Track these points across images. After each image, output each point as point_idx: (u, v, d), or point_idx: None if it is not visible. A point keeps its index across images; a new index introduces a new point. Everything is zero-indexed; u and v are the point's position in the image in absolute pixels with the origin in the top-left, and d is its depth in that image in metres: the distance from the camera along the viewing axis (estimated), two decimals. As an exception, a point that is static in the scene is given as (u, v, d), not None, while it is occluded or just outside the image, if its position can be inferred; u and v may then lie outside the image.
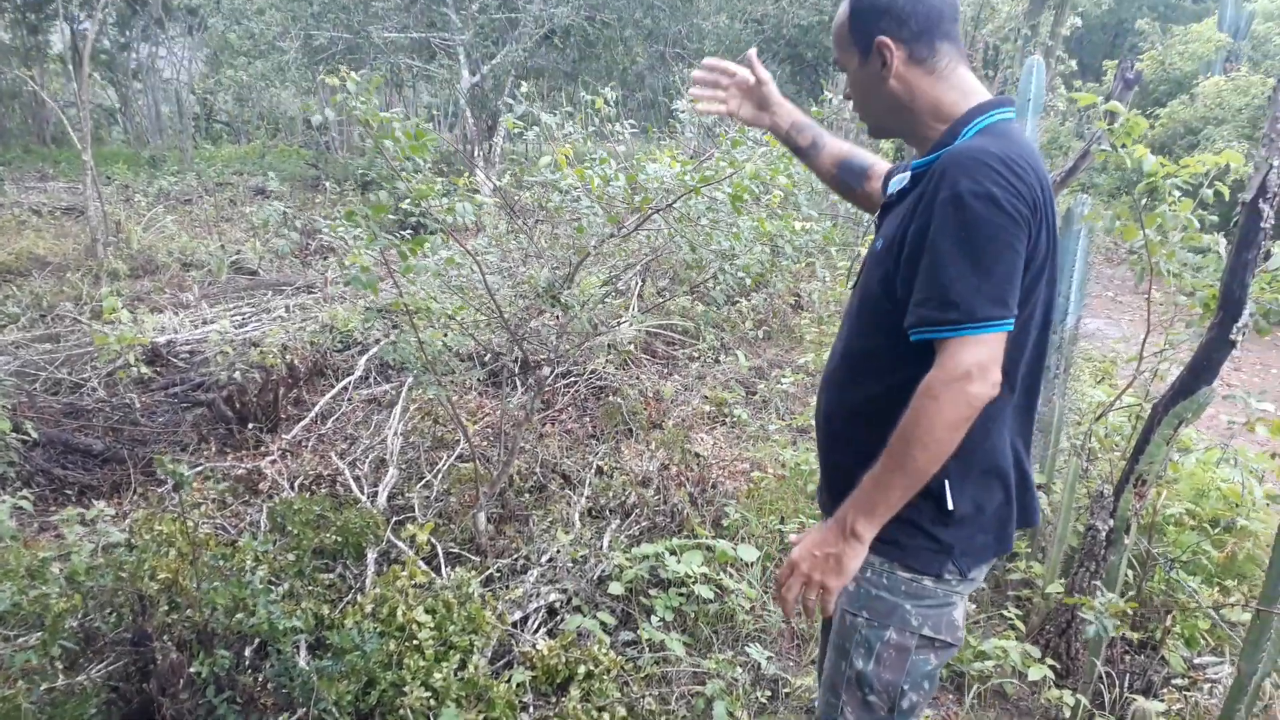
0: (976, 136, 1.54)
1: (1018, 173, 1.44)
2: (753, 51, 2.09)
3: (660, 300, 5.88)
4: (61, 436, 4.32)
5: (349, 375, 5.28)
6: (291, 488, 3.98)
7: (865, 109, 1.71)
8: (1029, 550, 3.65)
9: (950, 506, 1.58)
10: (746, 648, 3.11)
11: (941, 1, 1.60)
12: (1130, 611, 2.73)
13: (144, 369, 4.87)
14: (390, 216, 3.11)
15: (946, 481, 1.57)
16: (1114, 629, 2.53)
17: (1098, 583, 2.80)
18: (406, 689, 2.62)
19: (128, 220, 9.20)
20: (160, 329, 5.88)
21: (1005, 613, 3.34)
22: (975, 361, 1.42)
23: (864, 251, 1.86)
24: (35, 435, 4.18)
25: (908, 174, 1.65)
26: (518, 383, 5.16)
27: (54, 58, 18.78)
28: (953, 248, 1.43)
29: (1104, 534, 2.92)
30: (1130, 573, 3.25)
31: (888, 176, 1.91)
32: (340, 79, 2.91)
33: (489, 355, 5.28)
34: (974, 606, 3.45)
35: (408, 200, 2.96)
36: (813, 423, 1.93)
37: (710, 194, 3.02)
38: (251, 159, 16.51)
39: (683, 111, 3.65)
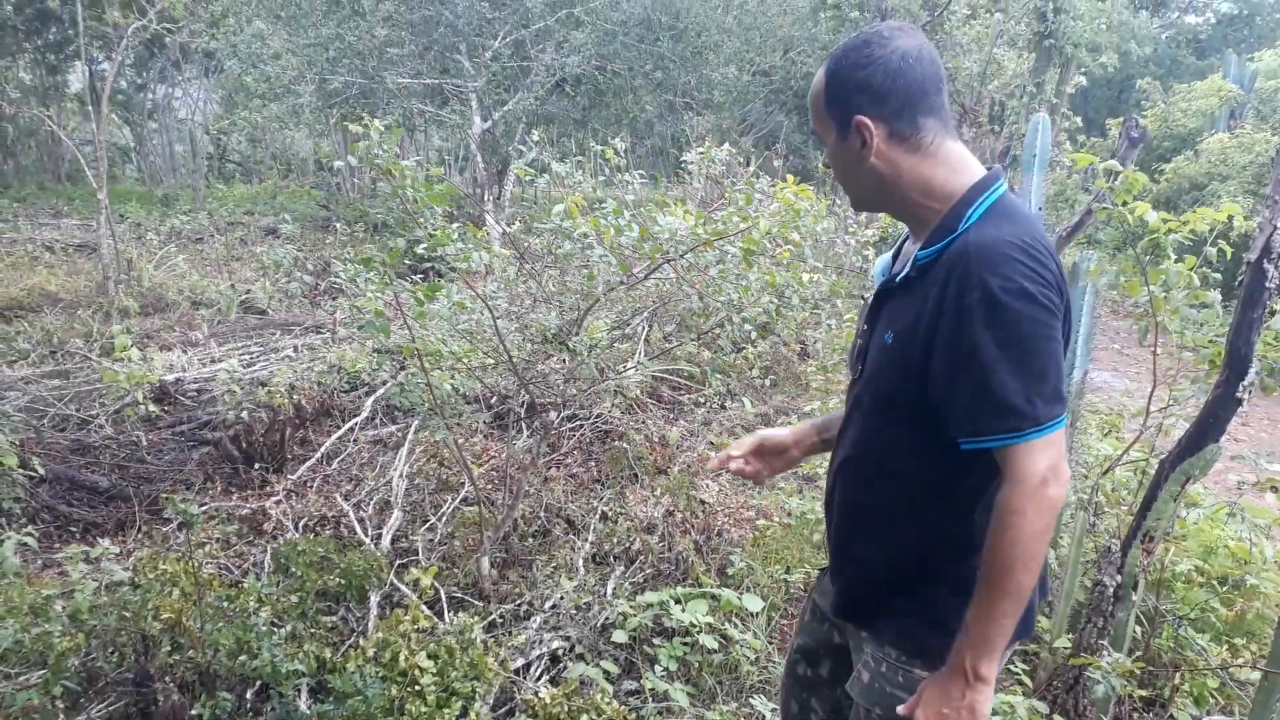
0: (986, 221, 1.48)
1: (1040, 259, 1.41)
2: (725, 454, 2.00)
3: (667, 346, 5.90)
4: (68, 473, 4.33)
5: (356, 416, 5.29)
6: (296, 529, 3.98)
7: (847, 185, 1.63)
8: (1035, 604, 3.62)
9: None
10: (751, 699, 3.09)
11: (923, 74, 1.51)
12: (1138, 670, 2.71)
13: (152, 407, 4.89)
14: (404, 261, 3.15)
15: (969, 577, 1.51)
16: (1122, 688, 2.51)
17: (1104, 642, 2.77)
18: (408, 736, 2.60)
19: (139, 258, 9.29)
20: (169, 367, 5.91)
21: (1012, 668, 3.31)
22: (1048, 465, 1.39)
23: (855, 328, 1.79)
24: (42, 471, 4.19)
25: (909, 263, 1.57)
26: (524, 426, 5.17)
27: (71, 97, 19.06)
28: (998, 351, 1.37)
29: (1111, 590, 2.90)
30: (1138, 629, 3.23)
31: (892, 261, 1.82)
32: (363, 126, 2.97)
33: (495, 398, 5.29)
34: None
35: (422, 245, 3.00)
36: (822, 472, 1.92)
37: (721, 246, 3.06)
38: (263, 199, 16.67)
39: (691, 162, 3.71)
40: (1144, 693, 3.08)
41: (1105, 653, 2.63)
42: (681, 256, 3.01)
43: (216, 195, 16.65)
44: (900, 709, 1.55)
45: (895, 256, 1.72)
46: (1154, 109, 16.02)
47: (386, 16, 11.86)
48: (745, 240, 2.85)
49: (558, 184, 3.69)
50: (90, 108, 9.80)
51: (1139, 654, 3.14)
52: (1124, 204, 3.10)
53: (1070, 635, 3.19)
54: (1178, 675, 3.14)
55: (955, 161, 1.55)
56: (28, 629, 2.86)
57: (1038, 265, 1.40)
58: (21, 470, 4.12)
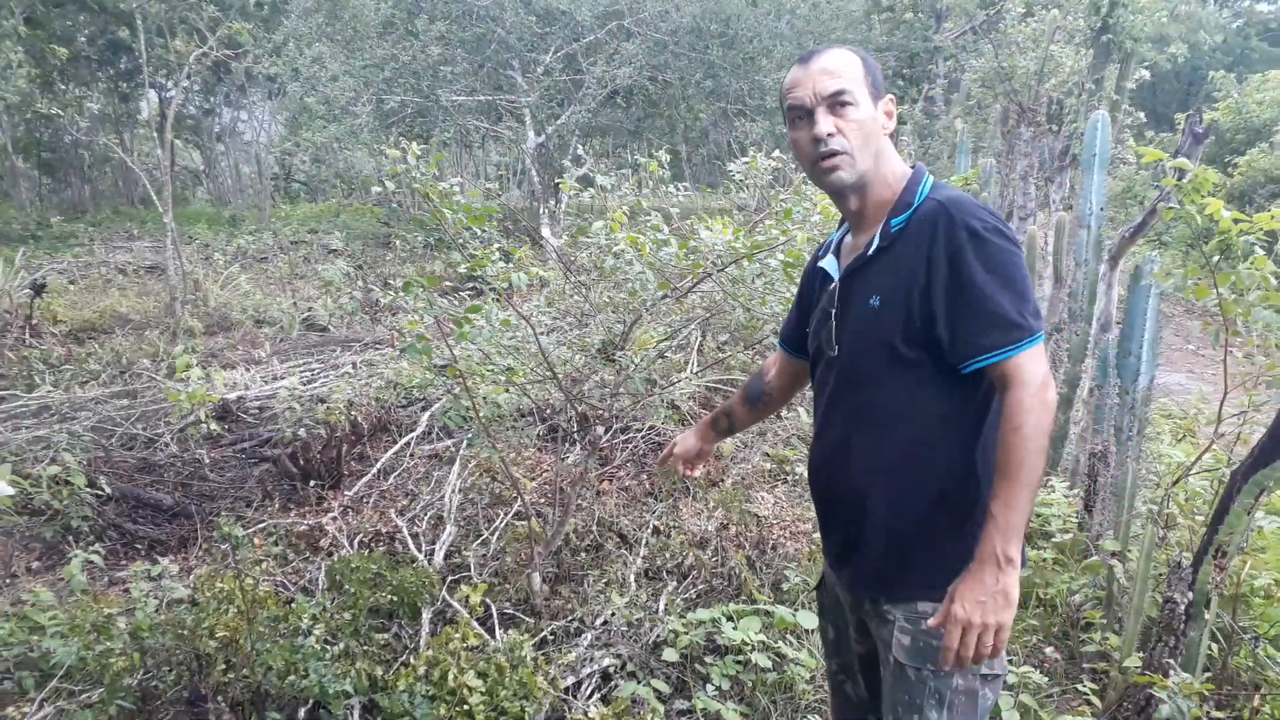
0: (938, 191, 1.75)
1: (997, 214, 1.68)
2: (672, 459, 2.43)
3: (720, 356, 5.85)
4: (134, 491, 4.43)
5: (412, 431, 5.34)
6: (351, 545, 4.01)
7: (861, 150, 1.76)
8: (1104, 621, 3.50)
9: None
10: (806, 719, 3.02)
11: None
12: (1209, 692, 2.59)
13: (214, 425, 4.99)
14: (448, 282, 3.16)
15: (988, 504, 1.64)
16: (1190, 711, 2.39)
17: (1171, 661, 2.65)
18: (456, 756, 2.59)
19: (206, 278, 9.53)
20: (231, 385, 6.03)
21: (1080, 687, 3.19)
22: (1044, 369, 1.61)
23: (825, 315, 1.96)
24: (109, 490, 4.30)
25: (874, 239, 1.77)
26: (576, 439, 5.16)
27: (143, 123, 19.70)
28: (989, 277, 1.61)
29: (1183, 607, 2.78)
30: (1214, 647, 3.09)
31: (817, 258, 2.03)
32: (401, 150, 2.99)
33: (549, 411, 5.30)
34: (1046, 679, 3.30)
35: (462, 266, 3.01)
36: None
37: (763, 260, 3.01)
38: (326, 218, 17.02)
39: (737, 172, 3.66)
40: (1221, 715, 2.94)
41: (1173, 672, 2.51)
42: (721, 270, 2.97)
43: (281, 215, 17.05)
44: (930, 621, 1.66)
45: (837, 253, 1.93)
46: (1226, 101, 15.49)
47: (440, 35, 12.03)
48: (788, 253, 2.80)
49: (601, 197, 3.68)
50: (156, 134, 10.11)
51: (1213, 674, 3.00)
52: (1193, 203, 2.98)
53: (1141, 654, 3.06)
54: (1257, 696, 2.99)
55: (895, 151, 1.84)
56: (90, 646, 2.92)
57: (995, 213, 1.68)
58: (89, 489, 4.24)
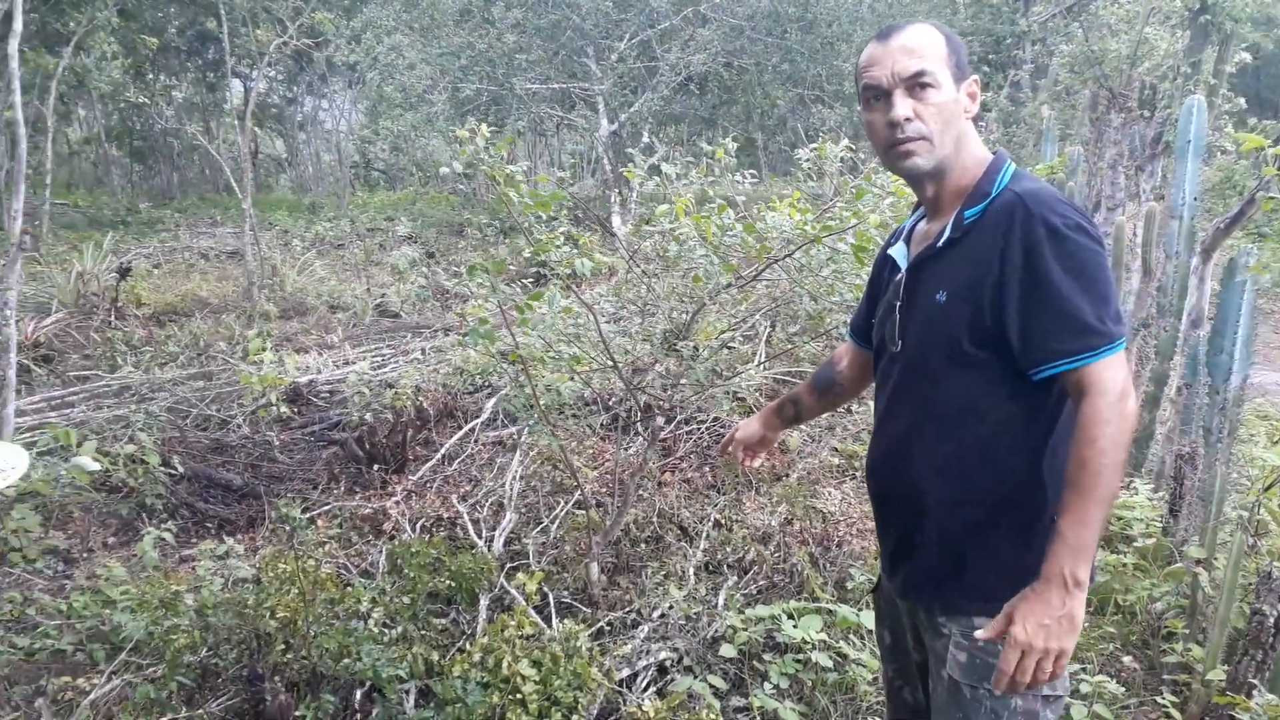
0: (1018, 181, 1.63)
1: (1078, 208, 1.57)
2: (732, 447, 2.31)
3: (788, 346, 5.74)
4: (206, 471, 4.54)
5: (477, 417, 5.36)
6: (413, 529, 4.04)
7: (940, 135, 1.66)
8: (1187, 631, 3.32)
9: None
10: (866, 721, 2.94)
11: None
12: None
13: (285, 408, 5.08)
14: (512, 267, 3.14)
15: (1055, 514, 1.55)
16: (1281, 734, 2.25)
17: (1257, 681, 2.50)
18: (507, 745, 2.58)
19: (283, 264, 9.75)
20: (304, 369, 6.15)
21: (1159, 699, 3.03)
22: (1124, 376, 1.50)
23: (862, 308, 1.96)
24: (181, 469, 4.41)
25: (946, 229, 1.67)
26: (638, 430, 5.12)
27: (228, 112, 20.28)
28: (1067, 279, 1.50)
29: (1272, 620, 2.62)
30: (1306, 663, 2.91)
31: (888, 244, 1.95)
32: (470, 132, 2.97)
33: (612, 400, 5.26)
34: (1122, 689, 3.14)
35: (528, 251, 2.98)
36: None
37: (832, 245, 2.91)
38: (403, 205, 17.29)
39: (805, 160, 3.56)
40: (1312, 736, 2.77)
41: (1258, 693, 2.36)
42: (788, 255, 2.88)
43: (358, 202, 17.37)
44: (981, 632, 1.56)
45: (908, 241, 1.83)
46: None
47: (515, 23, 12.07)
48: (857, 236, 2.70)
49: (667, 185, 3.61)
50: (235, 122, 10.37)
51: (1306, 693, 2.82)
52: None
53: (1225, 667, 2.90)
54: (1353, 718, 2.80)
55: (977, 136, 1.73)
56: (158, 622, 2.99)
57: (1078, 208, 1.57)
58: (164, 468, 4.35)
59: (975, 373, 1.62)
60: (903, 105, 1.62)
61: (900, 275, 1.78)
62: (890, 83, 1.62)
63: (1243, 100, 9.04)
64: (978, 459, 1.64)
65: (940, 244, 1.68)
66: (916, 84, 1.61)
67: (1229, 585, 2.99)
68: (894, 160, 1.69)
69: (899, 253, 1.83)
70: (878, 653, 3.23)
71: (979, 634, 1.58)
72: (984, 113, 12.49)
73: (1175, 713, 2.95)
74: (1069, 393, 1.55)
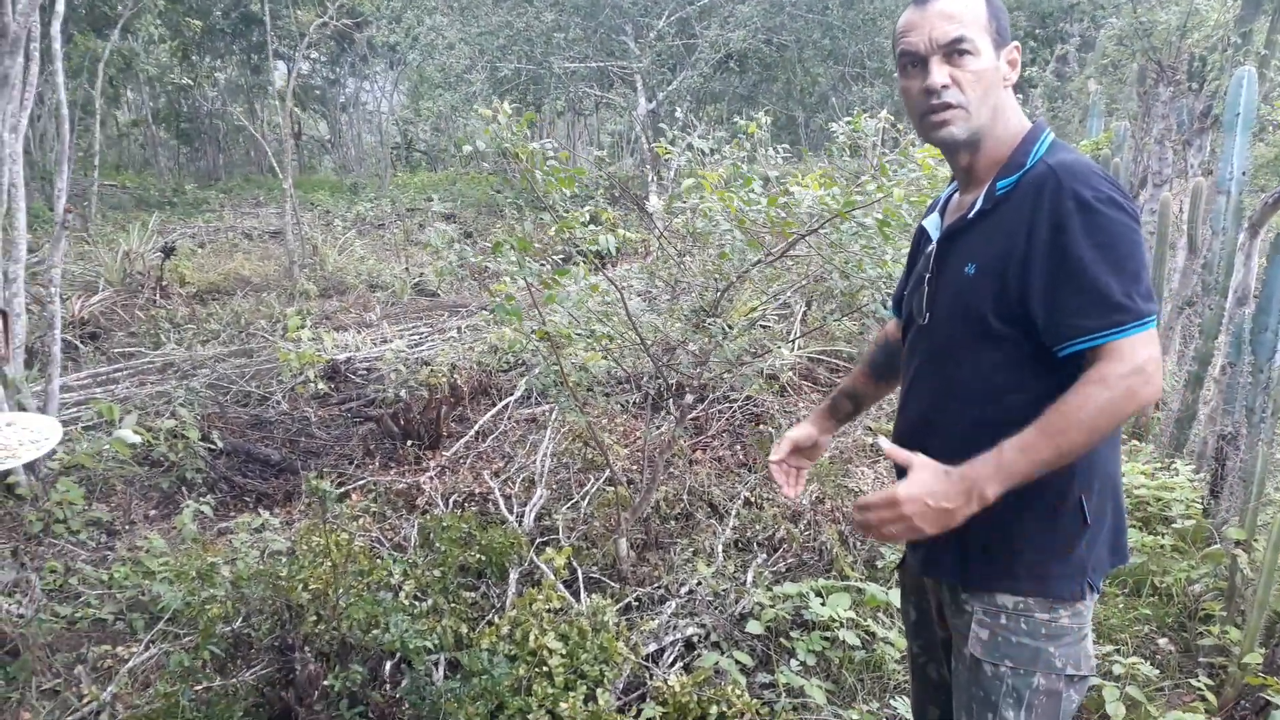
0: (1054, 152, 1.58)
1: (1114, 181, 1.50)
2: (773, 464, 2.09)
3: (820, 325, 5.70)
4: (244, 446, 4.62)
5: (510, 395, 5.40)
6: (445, 504, 4.08)
7: (978, 104, 1.61)
8: (1225, 613, 3.26)
9: (1088, 521, 1.57)
10: (893, 700, 2.92)
11: None
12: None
13: (322, 385, 5.15)
14: (538, 245, 3.14)
15: (1083, 494, 1.56)
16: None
17: (1297, 663, 2.44)
18: (532, 716, 2.60)
19: (324, 244, 9.85)
20: (342, 347, 6.22)
21: (1195, 682, 2.98)
22: (1149, 356, 1.43)
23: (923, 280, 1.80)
24: (221, 444, 4.49)
25: (978, 200, 1.63)
26: (670, 408, 5.12)
27: (272, 94, 20.51)
28: (1096, 253, 1.44)
29: (1312, 604, 2.56)
30: (1349, 648, 2.84)
31: (924, 216, 1.89)
32: (493, 110, 2.97)
33: (644, 378, 5.27)
34: (1157, 671, 3.09)
35: (554, 230, 2.98)
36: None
37: (860, 220, 2.87)
38: (444, 185, 17.38)
39: (839, 134, 3.52)
40: (1353, 721, 2.70)
41: (1297, 677, 2.31)
42: (814, 231, 2.85)
43: (399, 183, 17.48)
44: (883, 445, 1.61)
45: (943, 213, 1.80)
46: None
47: (553, 2, 12.05)
48: (885, 210, 2.66)
49: (699, 162, 3.59)
50: (276, 103, 10.47)
51: (1347, 678, 2.76)
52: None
53: (1263, 650, 2.84)
54: (1395, 704, 2.73)
55: (1017, 105, 1.69)
56: (195, 593, 3.05)
57: (1114, 182, 1.50)
58: (203, 443, 4.44)
59: (1000, 350, 1.57)
60: (939, 73, 1.57)
61: (931, 247, 1.74)
62: (928, 49, 1.58)
63: (1299, 73, 8.78)
64: (1001, 438, 1.53)
65: (971, 215, 1.64)
66: (955, 50, 1.56)
67: (1269, 567, 2.92)
68: (929, 129, 1.65)
69: (932, 224, 1.79)
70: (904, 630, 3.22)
71: (883, 445, 1.62)
72: (1029, 88, 12.24)
73: (1210, 696, 2.90)
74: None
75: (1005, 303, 1.54)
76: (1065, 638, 1.60)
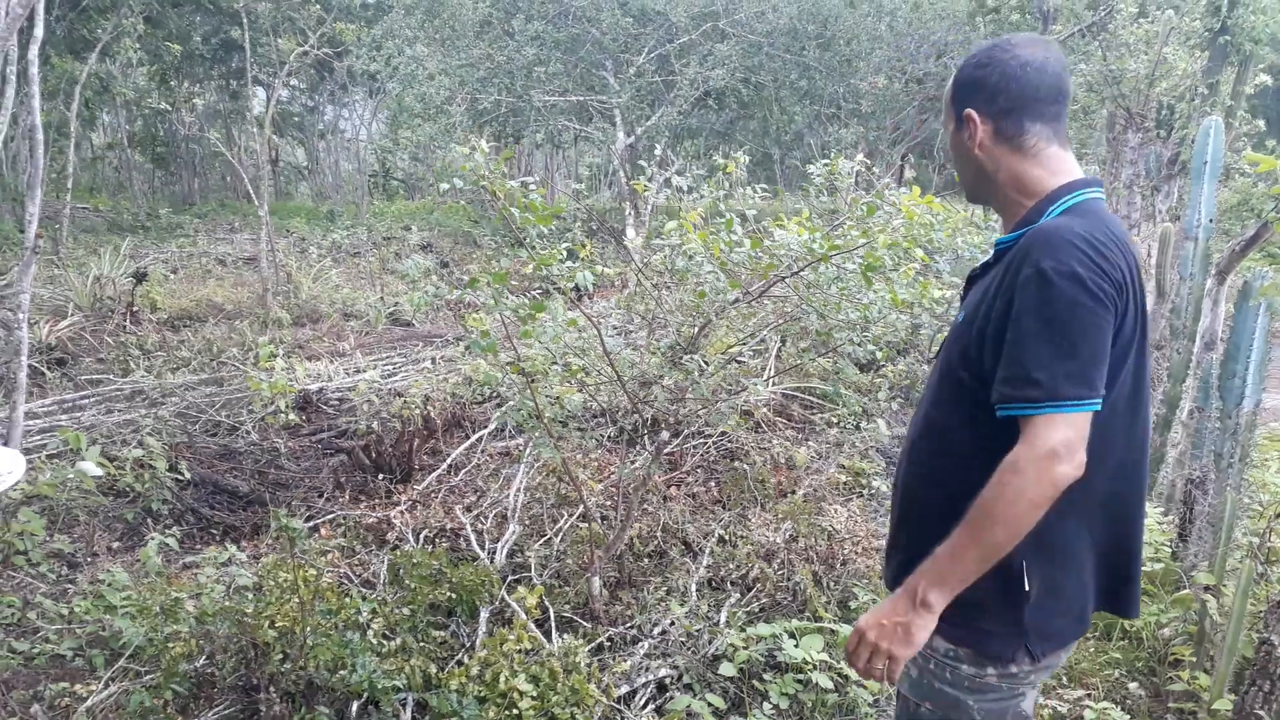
0: (1062, 215, 1.57)
1: (1102, 251, 1.47)
2: None
3: (797, 363, 5.72)
4: (212, 477, 4.55)
5: (485, 427, 5.36)
6: (416, 539, 4.03)
7: (959, 172, 1.75)
8: (1194, 658, 3.27)
9: (1027, 587, 1.57)
10: (865, 745, 2.90)
11: (1038, 83, 1.61)
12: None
13: (293, 415, 5.09)
14: (515, 281, 3.13)
15: (1025, 562, 1.56)
16: (1287, 769, 2.20)
17: (1264, 712, 2.45)
18: (502, 760, 2.56)
19: (298, 271, 9.79)
20: (314, 376, 6.16)
21: (1165, 728, 2.99)
22: (1061, 440, 1.42)
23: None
24: (189, 475, 4.42)
25: (991, 250, 1.71)
26: (647, 443, 5.11)
27: (250, 120, 20.46)
28: (1036, 325, 1.45)
29: (1281, 651, 2.57)
30: (1317, 695, 2.85)
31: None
32: (470, 147, 2.97)
33: (619, 414, 5.25)
34: (1127, 716, 3.10)
35: (530, 267, 2.98)
36: None
37: (839, 263, 2.90)
38: (420, 215, 17.37)
39: (816, 175, 3.55)
40: (1321, 771, 2.71)
41: (1268, 726, 2.32)
42: (794, 274, 2.87)
43: (376, 211, 17.45)
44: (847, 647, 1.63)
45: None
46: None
47: (535, 36, 12.13)
48: (866, 256, 2.68)
49: (679, 198, 3.61)
50: (254, 129, 10.45)
51: (1316, 725, 2.77)
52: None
53: (1231, 697, 2.85)
54: (1363, 752, 2.74)
55: (1054, 165, 1.64)
56: (158, 629, 2.98)
57: (1096, 255, 1.46)
58: (170, 473, 4.36)
59: (959, 395, 1.63)
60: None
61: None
62: None
63: (1262, 122, 8.97)
64: (947, 482, 1.63)
65: (978, 267, 1.74)
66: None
67: (1238, 613, 2.94)
68: None
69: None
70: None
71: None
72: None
73: (1181, 742, 2.91)
74: None
75: (968, 354, 1.59)
76: (990, 694, 1.63)
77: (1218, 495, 3.55)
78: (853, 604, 3.68)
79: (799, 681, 3.12)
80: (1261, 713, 2.48)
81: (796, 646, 3.16)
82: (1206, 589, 3.27)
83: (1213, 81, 8.42)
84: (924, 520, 1.68)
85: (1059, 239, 1.48)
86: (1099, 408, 1.45)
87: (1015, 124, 1.63)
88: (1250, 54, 9.15)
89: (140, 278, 8.19)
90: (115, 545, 4.06)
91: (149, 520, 4.18)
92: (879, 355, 3.24)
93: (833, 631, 3.34)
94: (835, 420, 5.88)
